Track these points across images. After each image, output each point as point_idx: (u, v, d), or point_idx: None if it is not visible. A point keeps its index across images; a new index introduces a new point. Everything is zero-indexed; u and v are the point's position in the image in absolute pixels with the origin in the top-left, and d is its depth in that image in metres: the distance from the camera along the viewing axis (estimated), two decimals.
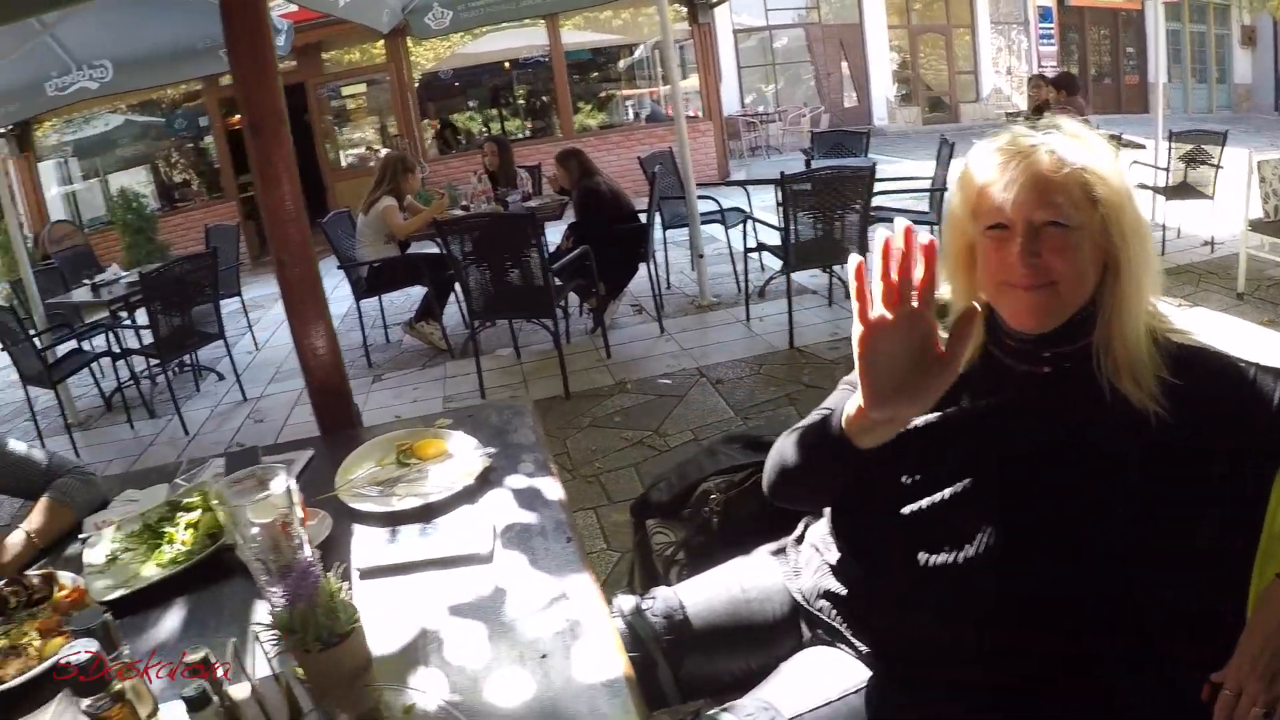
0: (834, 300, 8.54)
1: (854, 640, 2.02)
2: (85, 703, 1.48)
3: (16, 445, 2.77)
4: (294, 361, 9.31)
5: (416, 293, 9.16)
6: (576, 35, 19.02)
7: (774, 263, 8.90)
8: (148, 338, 8.53)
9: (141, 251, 15.75)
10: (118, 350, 8.63)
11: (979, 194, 1.73)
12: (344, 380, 3.64)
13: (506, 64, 19.64)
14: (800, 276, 8.22)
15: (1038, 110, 11.77)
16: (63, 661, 1.47)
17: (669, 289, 9.51)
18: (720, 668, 2.24)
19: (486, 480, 2.47)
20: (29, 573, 2.32)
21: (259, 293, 11.02)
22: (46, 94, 10.58)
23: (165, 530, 2.44)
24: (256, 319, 11.15)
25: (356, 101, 17.40)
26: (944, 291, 1.84)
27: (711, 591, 2.31)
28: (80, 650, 1.47)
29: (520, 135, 19.14)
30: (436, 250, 8.66)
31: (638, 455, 5.80)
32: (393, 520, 2.31)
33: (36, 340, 7.52)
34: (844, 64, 26.51)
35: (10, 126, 15.67)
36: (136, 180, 19.14)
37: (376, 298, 9.12)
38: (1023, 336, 1.77)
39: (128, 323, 9.13)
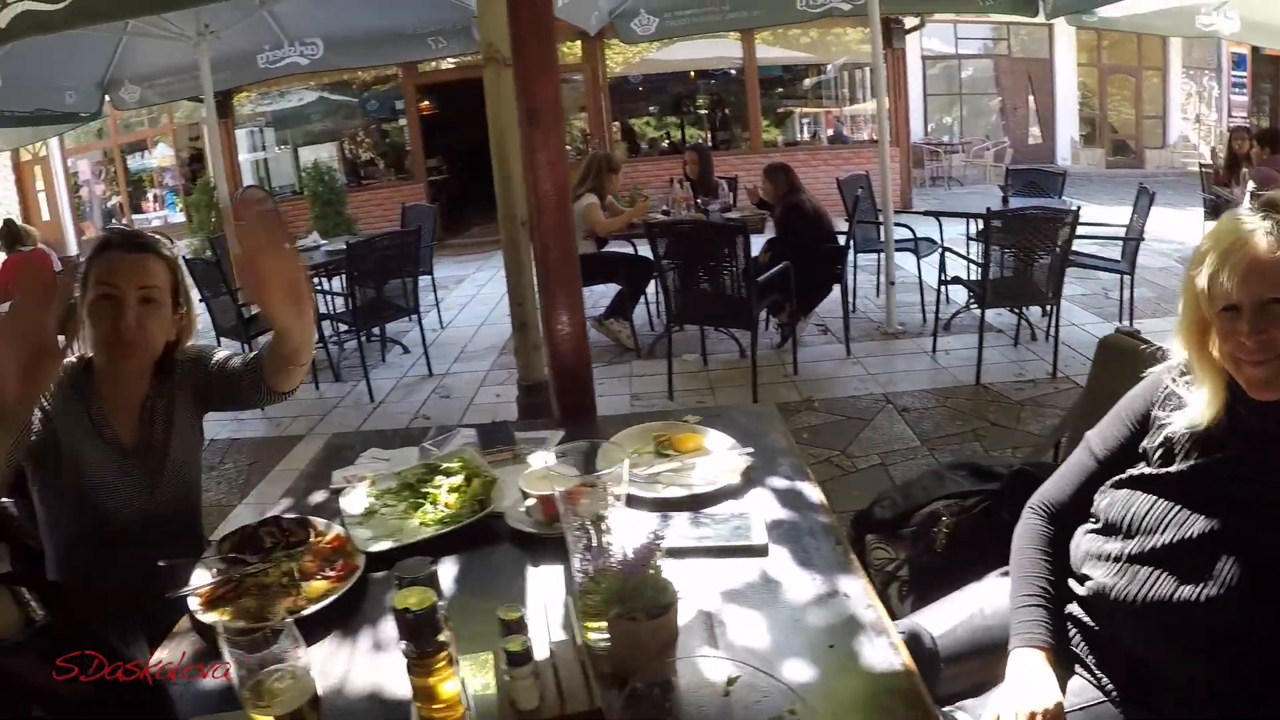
0: (1019, 340, 8.38)
1: (1091, 664, 2.10)
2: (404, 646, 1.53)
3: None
4: (480, 342, 9.86)
5: (605, 290, 9.27)
6: (766, 50, 18.93)
7: (959, 296, 8.83)
8: (339, 305, 8.83)
9: (329, 223, 16.41)
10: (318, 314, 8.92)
11: (1209, 277, 1.87)
12: (587, 367, 3.69)
13: (692, 73, 19.74)
14: (987, 314, 8.11)
15: (1234, 164, 11.48)
16: (402, 607, 1.51)
17: (854, 312, 9.40)
18: (961, 685, 2.28)
19: (748, 479, 2.48)
20: (284, 517, 2.45)
21: (444, 273, 11.21)
22: (257, 65, 10.96)
23: (428, 490, 2.52)
24: (441, 298, 11.48)
25: None
26: (1181, 356, 2.06)
27: (955, 619, 2.36)
28: (422, 597, 1.51)
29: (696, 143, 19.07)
30: (632, 250, 8.86)
31: (823, 474, 5.75)
32: (661, 506, 2.32)
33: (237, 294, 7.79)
34: (1030, 99, 25.98)
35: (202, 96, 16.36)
36: (324, 155, 19.86)
37: None
38: (1259, 401, 1.90)
39: (322, 289, 9.45)
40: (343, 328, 9.41)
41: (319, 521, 2.44)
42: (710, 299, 7.22)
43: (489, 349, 9.70)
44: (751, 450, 2.59)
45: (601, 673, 1.66)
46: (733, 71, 19.07)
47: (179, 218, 23.77)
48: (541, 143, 3.54)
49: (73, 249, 23.32)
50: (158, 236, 2.79)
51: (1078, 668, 2.12)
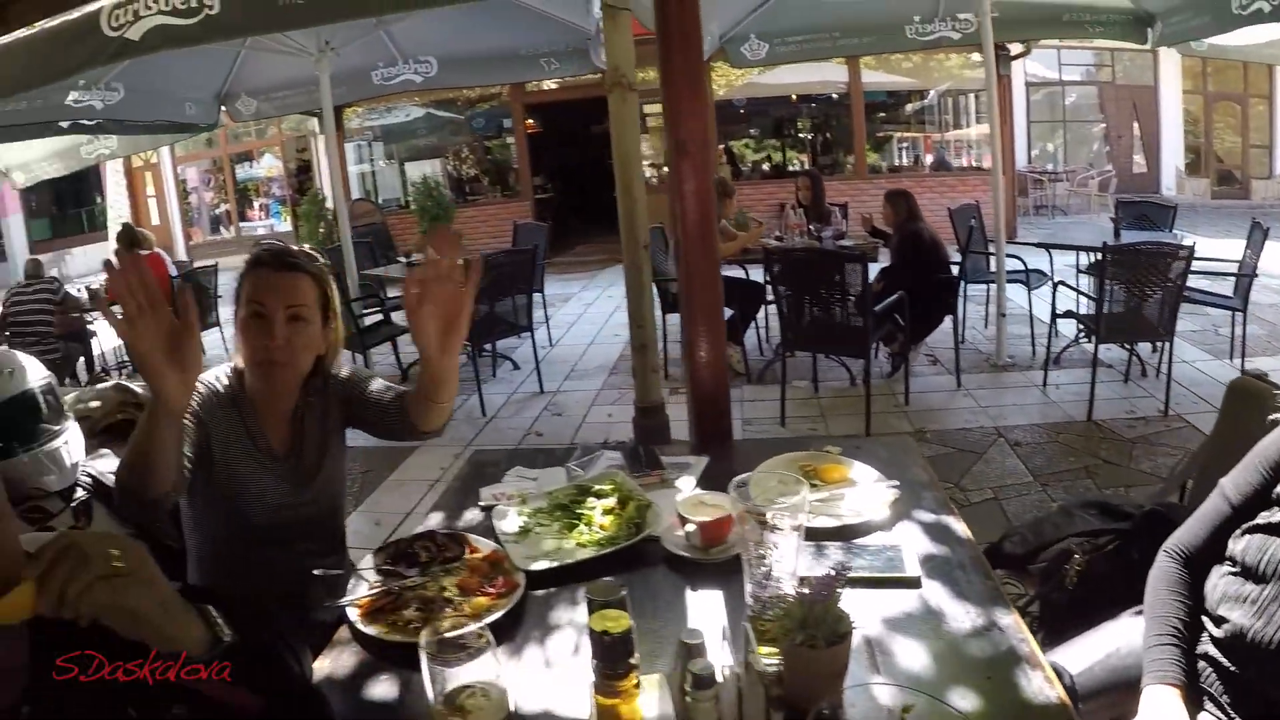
0: (1129, 376, 8.23)
1: (1225, 704, 2.09)
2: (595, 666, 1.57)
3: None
4: (590, 361, 9.95)
5: None
6: (870, 75, 18.71)
7: (1068, 330, 8.73)
8: None
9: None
10: None
11: None
12: (726, 394, 3.71)
13: (794, 96, 19.67)
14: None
15: None
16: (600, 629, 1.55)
17: (963, 343, 9.29)
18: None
19: (895, 512, 2.49)
20: (439, 532, 2.52)
21: (550, 291, 11.28)
22: (372, 82, 11.11)
23: (581, 512, 2.58)
24: (550, 315, 11.49)
25: (655, 120, 17.60)
26: None
27: (1092, 657, 2.37)
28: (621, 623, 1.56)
29: (796, 168, 18.88)
30: (744, 275, 8.75)
31: None
32: (813, 536, 2.33)
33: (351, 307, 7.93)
34: (1135, 126, 25.37)
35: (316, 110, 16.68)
36: (430, 170, 20.23)
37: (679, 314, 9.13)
38: None
39: None
40: None
41: (473, 537, 2.51)
42: (824, 326, 7.21)
43: (599, 368, 9.76)
44: (897, 484, 2.60)
45: (771, 696, 1.68)
46: (835, 95, 18.97)
47: (284, 226, 24.31)
48: (689, 173, 3.56)
49: (181, 254, 23.80)
50: (310, 252, 2.87)
51: (1210, 706, 2.11)
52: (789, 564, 1.81)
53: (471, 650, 1.59)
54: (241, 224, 26.19)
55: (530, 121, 20.03)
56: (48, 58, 6.07)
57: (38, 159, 13.35)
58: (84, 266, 25.44)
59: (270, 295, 2.69)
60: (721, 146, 19.34)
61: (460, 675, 1.58)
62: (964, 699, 1.74)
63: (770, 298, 8.00)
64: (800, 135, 20.08)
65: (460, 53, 10.76)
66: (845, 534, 2.38)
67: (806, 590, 1.72)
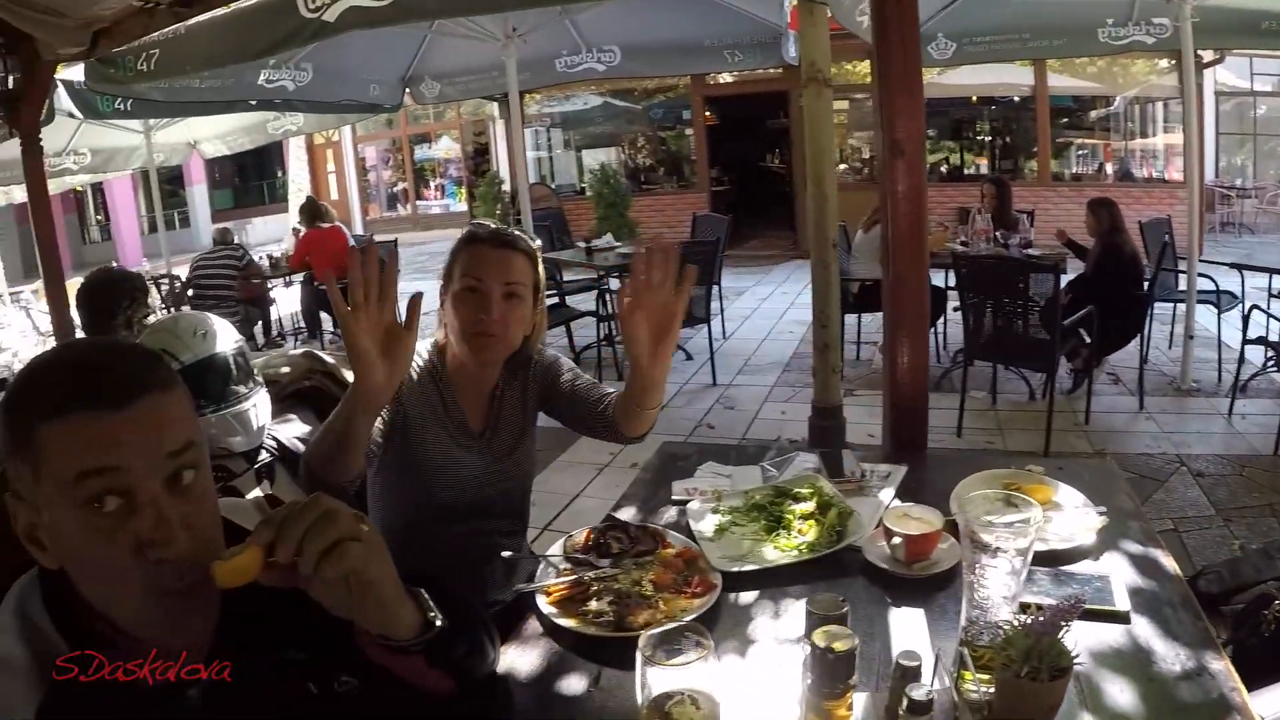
0: None
1: None
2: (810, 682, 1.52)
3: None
4: (763, 357, 10.00)
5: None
6: (1054, 79, 18.13)
7: (1256, 357, 8.33)
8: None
9: (611, 225, 16.68)
10: (603, 313, 9.32)
11: None
12: (925, 403, 3.63)
13: (974, 98, 19.16)
14: None
15: None
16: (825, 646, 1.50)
17: (1147, 363, 8.88)
18: None
19: (1101, 540, 2.37)
20: (631, 523, 2.53)
21: (726, 284, 11.29)
22: (555, 69, 11.19)
23: (782, 515, 2.53)
24: (724, 308, 11.41)
25: (838, 118, 17.40)
26: None
27: None
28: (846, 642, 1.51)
29: (973, 172, 18.78)
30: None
31: None
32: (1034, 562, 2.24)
33: None
34: None
35: (502, 95, 16.93)
36: (605, 158, 20.46)
37: (857, 315, 9.24)
38: None
39: (615, 290, 9.79)
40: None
41: (667, 532, 2.48)
42: (1008, 336, 7.03)
43: (772, 364, 9.71)
44: (1104, 509, 2.47)
45: None
46: (1017, 99, 18.44)
47: (459, 207, 24.80)
48: (904, 173, 3.49)
49: (358, 229, 24.49)
50: (519, 233, 2.86)
51: None
52: (1010, 589, 1.72)
53: (689, 655, 1.54)
54: (418, 203, 26.71)
55: (708, 114, 19.99)
56: (245, 36, 6.22)
57: (226, 133, 13.88)
58: (263, 235, 26.28)
59: (487, 270, 2.70)
60: None
61: (674, 680, 1.53)
62: None
63: (955, 305, 7.85)
64: (979, 138, 19.60)
65: (644, 42, 10.77)
66: (1052, 560, 2.27)
67: (1036, 619, 1.63)
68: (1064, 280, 8.04)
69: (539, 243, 2.90)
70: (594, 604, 2.16)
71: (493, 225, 2.82)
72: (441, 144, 26.79)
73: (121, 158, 13.85)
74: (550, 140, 21.98)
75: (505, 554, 2.57)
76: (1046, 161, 17.93)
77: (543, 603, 2.21)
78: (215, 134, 14.07)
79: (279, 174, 31.13)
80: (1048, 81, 17.76)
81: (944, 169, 19.21)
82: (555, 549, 2.49)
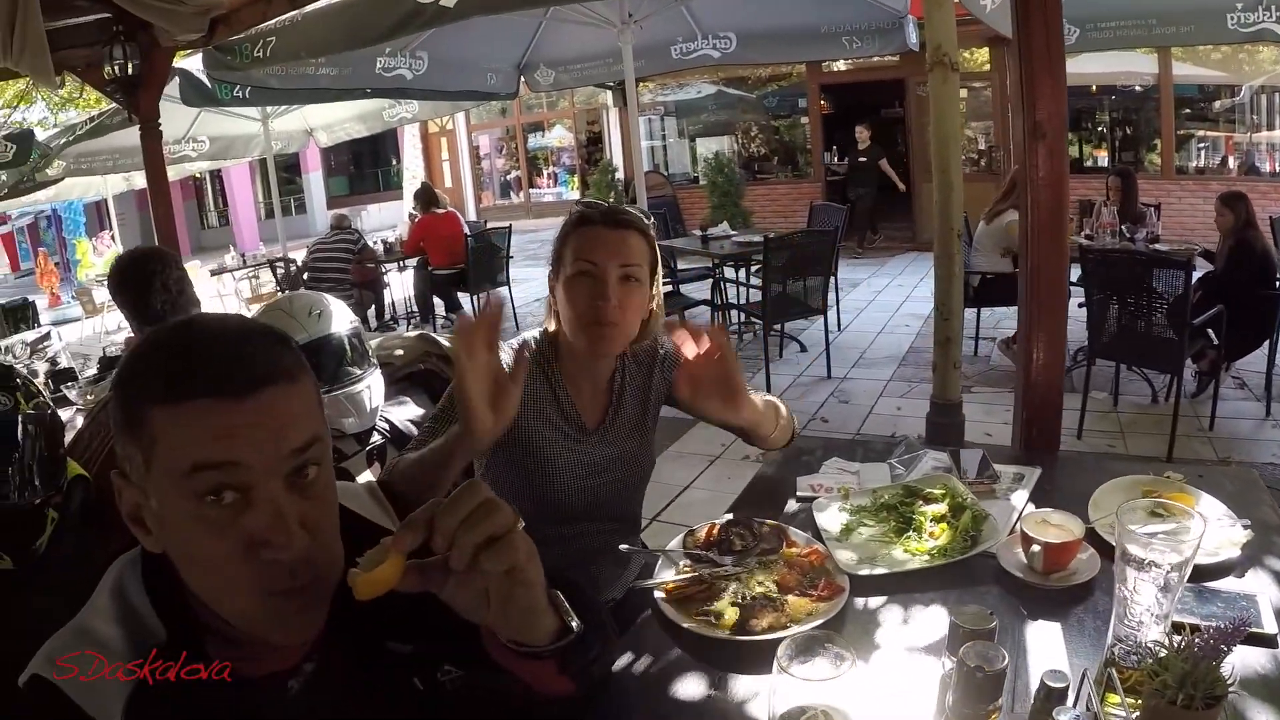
0: None
1: None
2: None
3: None
4: (879, 350, 9.90)
5: (1010, 311, 8.82)
6: (1179, 68, 17.46)
7: None
8: (743, 296, 9.07)
9: (725, 213, 16.60)
10: (718, 302, 9.31)
11: None
12: (1059, 402, 3.52)
13: (1094, 87, 18.56)
14: None
15: None
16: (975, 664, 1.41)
17: (1276, 368, 8.39)
18: None
19: (1246, 555, 2.21)
20: (756, 520, 2.41)
21: (841, 275, 11.13)
22: (671, 56, 11.18)
23: (913, 516, 2.43)
24: (839, 300, 11.32)
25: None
26: None
27: None
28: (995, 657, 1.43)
29: (1091, 164, 18.24)
30: None
31: None
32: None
33: None
34: None
35: (617, 82, 17.01)
36: (718, 147, 20.54)
37: (977, 309, 9.11)
38: None
39: (730, 278, 10.17)
40: (743, 318, 9.97)
41: (791, 530, 2.39)
42: (1133, 335, 6.83)
43: (888, 358, 9.59)
44: (1249, 523, 2.30)
45: None
46: (1140, 88, 17.82)
47: (572, 195, 25.03)
48: (1044, 157, 3.38)
49: (471, 216, 24.87)
50: (635, 211, 2.70)
51: None
52: (1162, 608, 1.59)
53: (828, 668, 1.44)
54: (531, 190, 26.93)
55: (823, 102, 19.87)
56: (361, 22, 6.27)
57: (342, 120, 14.17)
58: (378, 222, 26.77)
59: (602, 252, 2.54)
60: None
61: (807, 694, 1.43)
62: None
63: (1079, 301, 7.66)
64: (1099, 129, 19.03)
65: (760, 28, 10.72)
66: (1195, 575, 2.08)
67: (1195, 641, 1.50)
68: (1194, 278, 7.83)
69: (652, 219, 2.77)
70: (715, 604, 2.08)
71: (604, 204, 2.70)
72: (555, 132, 27.00)
73: (240, 145, 14.30)
74: (664, 129, 22.11)
75: (623, 547, 2.49)
76: (1170, 154, 17.36)
77: (661, 600, 2.14)
78: (331, 122, 14.36)
79: (393, 161, 31.60)
80: (1172, 70, 17.27)
81: None
82: (674, 543, 2.41)
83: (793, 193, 18.93)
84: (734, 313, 10.26)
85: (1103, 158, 18.28)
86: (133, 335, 4.53)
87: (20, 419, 2.24)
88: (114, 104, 7.61)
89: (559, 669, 1.48)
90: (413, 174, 27.88)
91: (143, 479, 1.27)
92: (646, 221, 2.68)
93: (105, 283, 17.09)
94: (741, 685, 1.86)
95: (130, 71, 6.39)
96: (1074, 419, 6.99)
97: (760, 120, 21.05)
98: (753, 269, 10.35)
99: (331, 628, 1.42)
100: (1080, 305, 7.34)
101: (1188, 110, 17.87)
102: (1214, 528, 2.27)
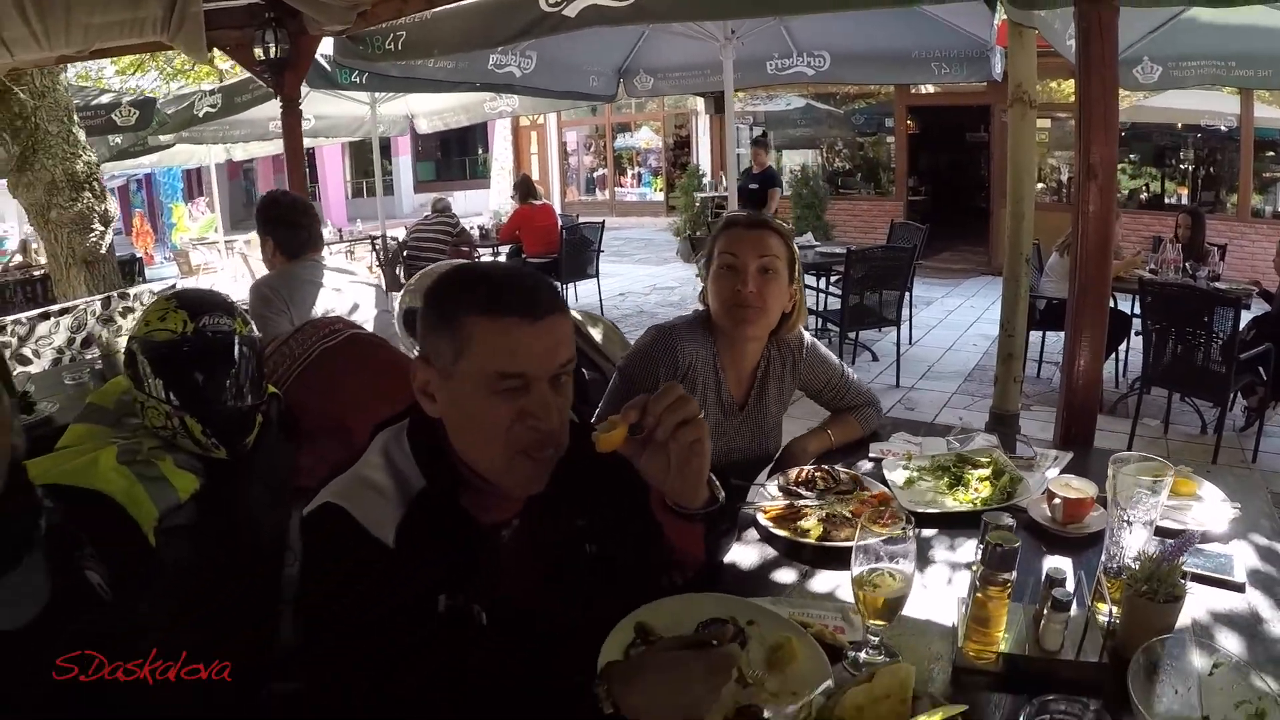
0: None
1: None
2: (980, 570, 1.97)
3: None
4: (947, 365, 10.21)
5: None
6: (1261, 110, 17.15)
7: None
8: (823, 305, 9.47)
9: (808, 224, 17.01)
10: None
11: None
12: (1095, 406, 4.08)
13: (1179, 125, 18.49)
14: None
15: None
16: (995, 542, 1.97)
17: None
18: None
19: (1233, 530, 2.71)
20: (839, 468, 3.05)
21: (915, 293, 11.38)
22: (766, 71, 11.44)
23: (962, 475, 2.99)
24: (912, 315, 11.64)
25: (1039, 136, 17.27)
26: None
27: None
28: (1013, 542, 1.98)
29: (1175, 201, 18.15)
30: (1112, 303, 8.63)
31: None
32: (1159, 533, 2.44)
33: None
34: None
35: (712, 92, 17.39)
36: (804, 160, 20.76)
37: (1042, 332, 9.40)
38: None
39: (810, 287, 10.43)
40: (823, 325, 10.18)
41: (864, 478, 3.01)
42: (1185, 366, 7.20)
43: (954, 373, 9.95)
44: (1239, 505, 2.81)
45: (1107, 636, 2.02)
46: (1224, 128, 17.62)
47: (655, 196, 25.21)
48: (1095, 196, 3.92)
49: (557, 209, 25.17)
50: (771, 218, 3.32)
51: None
52: (1141, 544, 2.15)
53: (893, 540, 2.01)
54: (616, 189, 27.37)
55: (909, 122, 20.11)
56: (489, 25, 6.75)
57: (444, 110, 14.51)
58: (462, 209, 27.08)
59: (742, 247, 3.11)
60: None
61: (879, 555, 2.01)
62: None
63: (1136, 330, 7.99)
64: (1182, 166, 18.96)
65: (854, 50, 10.90)
66: (1185, 538, 2.63)
67: (1157, 552, 2.05)
68: (1250, 317, 8.10)
69: (791, 226, 3.36)
70: (802, 523, 2.69)
71: (747, 212, 3.30)
72: (642, 134, 27.31)
73: (343, 126, 14.76)
74: (752, 138, 22.05)
75: (732, 481, 3.03)
76: (1247, 196, 17.28)
77: (761, 518, 2.74)
78: (433, 110, 14.74)
79: (480, 151, 31.96)
80: (1254, 112, 17.23)
81: (1144, 196, 18.78)
82: (769, 481, 3.05)
83: (874, 209, 19.16)
84: (813, 319, 10.57)
85: (1185, 195, 18.22)
86: (262, 275, 5.17)
87: (237, 340, 2.79)
88: (215, 78, 8.05)
89: (704, 531, 2.09)
90: (501, 165, 28.31)
91: (448, 365, 1.84)
92: (786, 226, 3.28)
93: (192, 240, 17.64)
94: (823, 577, 2.49)
95: (278, 54, 6.97)
96: (1124, 441, 7.31)
97: (846, 136, 21.27)
98: (832, 279, 10.79)
99: (536, 498, 2.00)
100: (1137, 334, 7.72)
101: (1271, 153, 17.65)
102: (1209, 506, 2.81)
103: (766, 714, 1.74)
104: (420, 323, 1.93)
